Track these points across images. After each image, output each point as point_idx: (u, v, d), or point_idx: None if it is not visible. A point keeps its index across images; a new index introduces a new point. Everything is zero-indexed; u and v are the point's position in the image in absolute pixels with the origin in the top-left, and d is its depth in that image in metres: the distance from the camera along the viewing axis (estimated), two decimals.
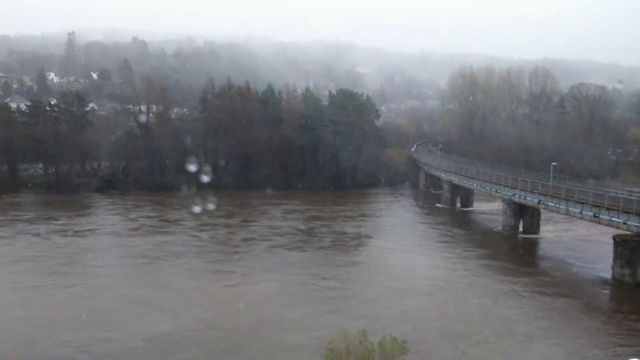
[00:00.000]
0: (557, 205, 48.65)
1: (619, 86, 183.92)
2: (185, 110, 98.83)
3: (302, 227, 59.93)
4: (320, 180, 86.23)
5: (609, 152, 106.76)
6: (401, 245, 52.29)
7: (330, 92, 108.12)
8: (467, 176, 69.84)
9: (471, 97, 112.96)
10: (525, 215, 56.30)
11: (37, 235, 54.18)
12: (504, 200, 58.28)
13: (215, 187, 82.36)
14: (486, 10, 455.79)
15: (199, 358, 27.10)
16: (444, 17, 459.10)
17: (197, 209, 60.56)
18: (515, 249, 52.38)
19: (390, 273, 41.58)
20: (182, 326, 30.51)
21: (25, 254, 47.20)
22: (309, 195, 79.66)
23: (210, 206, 60.82)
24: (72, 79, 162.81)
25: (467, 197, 74.20)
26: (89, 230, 57.39)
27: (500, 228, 58.49)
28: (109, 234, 56.23)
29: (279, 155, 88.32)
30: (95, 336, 29.12)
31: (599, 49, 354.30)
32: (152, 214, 66.98)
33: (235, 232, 57.29)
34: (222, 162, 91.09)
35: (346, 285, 38.97)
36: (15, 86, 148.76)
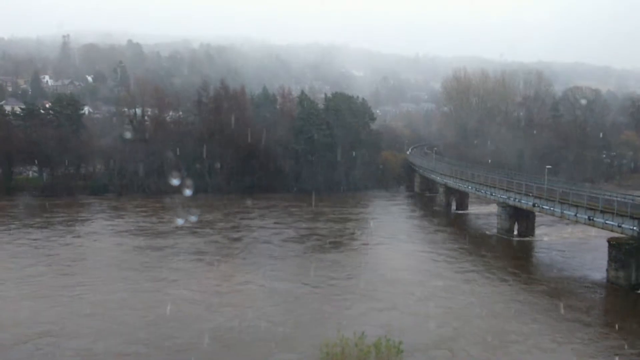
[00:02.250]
0: (552, 208, 48.90)
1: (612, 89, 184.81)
2: (181, 113, 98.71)
3: (299, 230, 59.87)
4: (316, 183, 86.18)
5: (604, 156, 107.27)
6: (396, 248, 52.36)
7: (325, 95, 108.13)
8: (462, 179, 70.01)
9: (466, 100, 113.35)
10: (520, 218, 56.46)
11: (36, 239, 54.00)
12: (498, 203, 58.50)
13: (210, 190, 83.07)
14: (480, 13, 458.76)
15: None
16: (439, 19, 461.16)
17: (191, 218, 60.59)
18: (510, 252, 52.51)
19: (385, 277, 41.44)
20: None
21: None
22: (304, 198, 79.56)
23: (193, 217, 61.03)
24: (66, 81, 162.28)
25: (463, 200, 74.47)
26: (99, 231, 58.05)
27: (495, 231, 58.69)
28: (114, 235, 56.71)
29: (274, 158, 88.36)
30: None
31: (592, 52, 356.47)
32: (146, 218, 66.96)
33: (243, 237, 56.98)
34: (217, 165, 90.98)
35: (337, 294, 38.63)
36: (9, 89, 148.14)
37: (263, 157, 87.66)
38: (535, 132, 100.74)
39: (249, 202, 74.99)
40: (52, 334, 29.91)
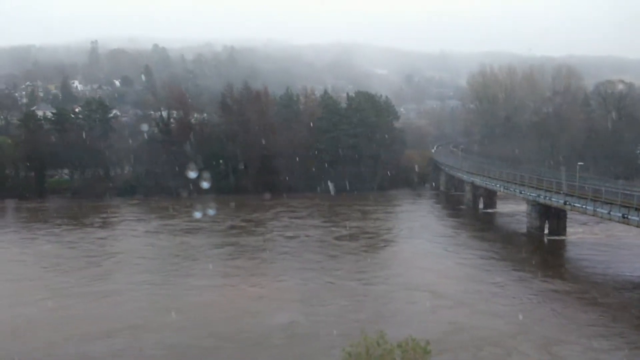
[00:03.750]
0: (584, 206, 47.45)
1: None
2: (205, 115, 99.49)
3: (326, 230, 59.85)
4: (340, 182, 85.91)
5: (638, 152, 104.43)
6: (425, 248, 51.81)
7: (348, 94, 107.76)
8: (489, 177, 68.85)
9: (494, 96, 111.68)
10: (551, 216, 55.21)
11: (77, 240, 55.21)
12: (528, 202, 57.39)
13: (234, 190, 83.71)
14: (506, 8, 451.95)
15: None
16: (463, 15, 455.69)
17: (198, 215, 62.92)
18: (541, 251, 51.49)
19: (416, 278, 41.03)
20: None
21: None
22: (328, 198, 79.57)
23: (210, 212, 64.08)
24: (95, 86, 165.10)
25: (490, 198, 73.27)
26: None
27: (525, 230, 57.63)
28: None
29: (297, 158, 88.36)
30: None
31: (624, 45, 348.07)
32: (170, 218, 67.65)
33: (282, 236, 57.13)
34: (242, 166, 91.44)
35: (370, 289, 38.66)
36: (41, 94, 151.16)
37: (287, 157, 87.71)
38: (565, 127, 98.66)
39: (279, 201, 75.53)
40: (133, 328, 30.62)
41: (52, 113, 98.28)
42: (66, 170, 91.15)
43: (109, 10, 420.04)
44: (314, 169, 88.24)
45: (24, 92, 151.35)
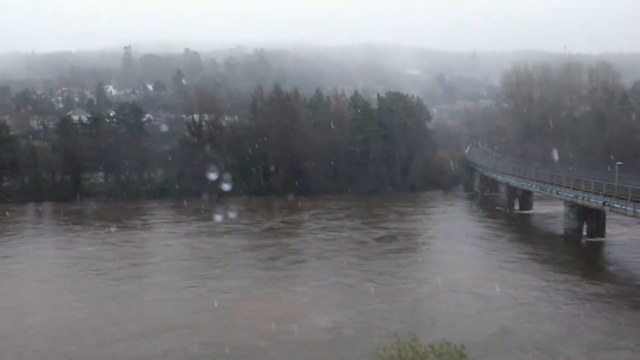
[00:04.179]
0: (624, 207, 45.91)
1: None
2: (236, 117, 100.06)
3: (365, 231, 59.51)
4: (371, 184, 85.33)
5: None
6: (463, 249, 51.17)
7: (378, 95, 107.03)
8: (525, 178, 67.39)
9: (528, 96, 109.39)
10: (590, 217, 53.63)
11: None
12: (566, 202, 55.84)
13: (265, 192, 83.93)
14: (540, 5, 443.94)
15: None
16: (496, 14, 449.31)
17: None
18: (581, 253, 50.30)
19: (459, 280, 40.38)
20: None
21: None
22: (361, 200, 79.04)
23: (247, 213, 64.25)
24: (129, 91, 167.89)
25: (526, 199, 71.73)
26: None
27: (562, 231, 56.09)
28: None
29: (328, 160, 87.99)
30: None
31: None
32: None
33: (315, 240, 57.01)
34: (272, 168, 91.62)
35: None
36: (76, 99, 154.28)
37: (317, 159, 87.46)
38: (603, 126, 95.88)
39: (313, 203, 75.51)
40: (179, 328, 30.91)
41: (87, 117, 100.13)
42: (101, 174, 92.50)
43: (141, 17, 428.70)
44: (344, 171, 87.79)
45: (60, 97, 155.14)
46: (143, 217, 70.93)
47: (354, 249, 51.18)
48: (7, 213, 69.62)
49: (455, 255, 48.61)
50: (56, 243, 56.21)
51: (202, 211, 71.20)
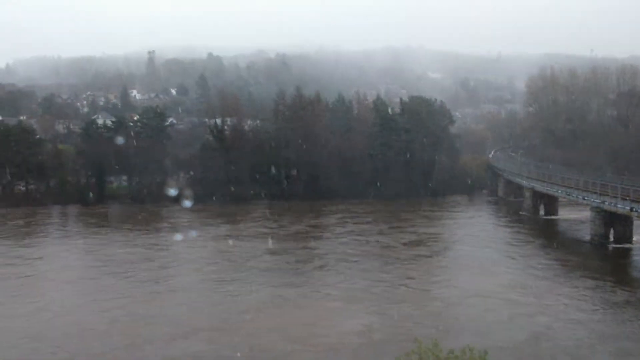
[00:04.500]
0: None
1: None
2: (258, 121, 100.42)
3: (392, 236, 59.17)
4: (393, 189, 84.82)
5: None
6: (490, 254, 50.49)
7: (401, 99, 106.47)
8: (550, 182, 66.26)
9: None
10: (617, 223, 52.30)
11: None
12: (592, 208, 54.62)
13: (287, 196, 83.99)
14: (566, 8, 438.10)
15: None
16: (520, 17, 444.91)
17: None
18: (609, 260, 49.18)
19: (488, 285, 39.72)
20: None
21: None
22: (384, 204, 78.58)
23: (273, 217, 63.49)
24: (152, 95, 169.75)
25: (552, 204, 70.50)
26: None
27: (589, 237, 54.93)
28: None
29: (350, 164, 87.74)
30: None
31: None
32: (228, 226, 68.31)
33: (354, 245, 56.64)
34: (294, 172, 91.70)
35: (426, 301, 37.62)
36: (101, 103, 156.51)
37: (339, 163, 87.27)
38: (631, 130, 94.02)
39: (338, 207, 75.57)
40: (210, 330, 31.01)
41: (111, 121, 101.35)
42: (124, 177, 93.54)
43: (165, 22, 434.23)
44: (365, 175, 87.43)
45: (85, 102, 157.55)
46: (170, 220, 71.45)
47: (382, 253, 50.96)
48: (35, 216, 71.12)
49: (483, 261, 47.95)
50: (84, 245, 56.74)
51: (227, 215, 71.57)
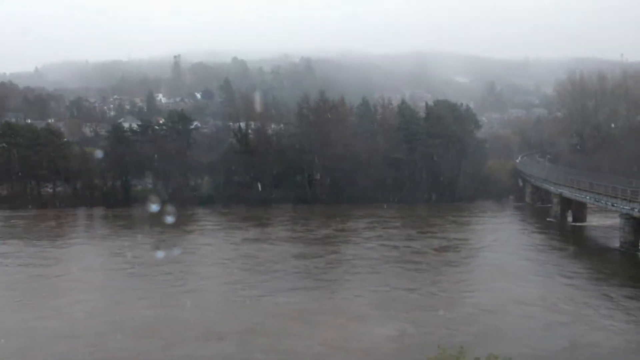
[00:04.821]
0: None
1: None
2: (282, 125, 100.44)
3: (422, 241, 58.72)
4: (417, 193, 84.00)
5: None
6: (520, 261, 49.77)
7: (427, 103, 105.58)
8: (579, 188, 64.85)
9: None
10: None
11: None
12: (621, 215, 53.24)
13: (310, 200, 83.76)
14: (595, 12, 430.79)
15: None
16: (549, 21, 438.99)
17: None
18: (638, 269, 47.89)
19: (523, 291, 39.13)
20: None
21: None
22: (410, 209, 77.88)
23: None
24: (178, 99, 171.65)
25: (580, 211, 68.97)
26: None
27: (618, 245, 53.49)
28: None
29: (374, 168, 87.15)
30: None
31: None
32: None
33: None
34: (317, 176, 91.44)
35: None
36: (127, 107, 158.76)
37: (363, 168, 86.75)
38: None
39: (365, 211, 75.01)
40: (242, 333, 31.21)
41: (137, 125, 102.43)
42: (149, 180, 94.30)
43: (191, 26, 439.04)
44: (390, 180, 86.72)
45: (111, 105, 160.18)
46: (199, 223, 71.73)
47: (412, 258, 50.46)
48: (66, 217, 72.67)
49: (513, 267, 47.36)
50: (114, 247, 57.02)
51: (253, 218, 71.73)
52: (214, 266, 48.15)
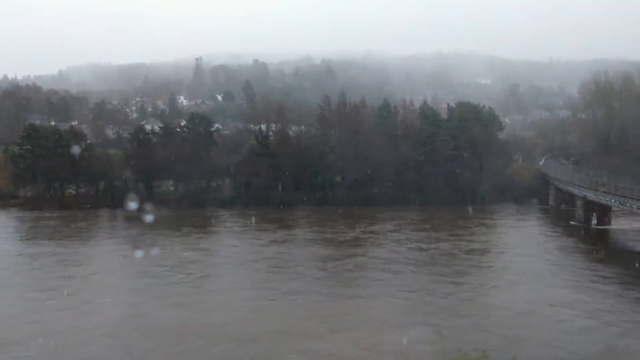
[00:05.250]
0: None
1: None
2: (303, 127, 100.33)
3: (452, 243, 58.57)
4: (439, 196, 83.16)
5: None
6: (548, 265, 49.33)
7: (448, 105, 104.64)
8: (603, 191, 63.61)
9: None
10: None
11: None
12: None
13: (331, 202, 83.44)
14: (620, 12, 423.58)
15: None
16: (573, 22, 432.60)
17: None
18: None
19: (554, 294, 38.99)
20: None
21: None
22: (430, 212, 77.19)
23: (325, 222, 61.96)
24: (199, 101, 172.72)
25: (605, 214, 67.71)
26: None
27: None
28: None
29: (395, 170, 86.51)
30: None
31: None
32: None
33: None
34: (338, 178, 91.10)
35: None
36: (149, 109, 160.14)
37: (384, 170, 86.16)
38: None
39: (391, 213, 75.08)
40: (278, 333, 31.63)
41: (159, 127, 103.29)
42: (171, 181, 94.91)
43: (212, 29, 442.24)
44: (411, 182, 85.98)
45: (134, 107, 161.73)
46: (226, 225, 72.23)
47: (444, 261, 50.50)
48: (97, 218, 74.67)
49: (542, 271, 47.08)
50: (146, 247, 56.97)
51: (277, 220, 72.01)
52: (242, 267, 48.66)
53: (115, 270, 47.85)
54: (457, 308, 36.02)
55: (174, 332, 31.82)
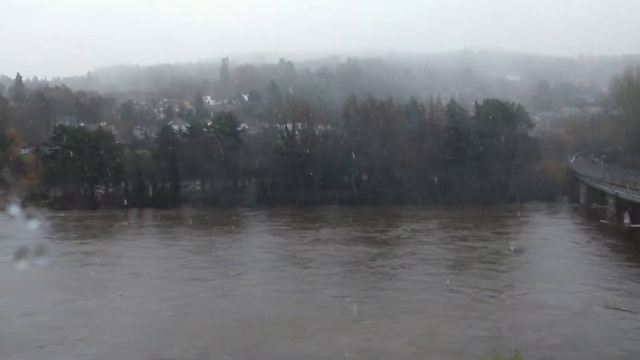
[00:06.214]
0: None
1: None
2: (329, 126, 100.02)
3: (496, 242, 58.20)
4: (466, 194, 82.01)
5: None
6: (583, 265, 48.87)
7: (476, 102, 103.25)
8: (636, 189, 62.02)
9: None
10: None
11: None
12: None
13: (358, 201, 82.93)
14: None
15: None
16: (604, 16, 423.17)
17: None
18: None
19: (599, 295, 38.37)
20: None
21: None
22: (460, 211, 76.27)
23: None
24: (225, 101, 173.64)
25: (638, 212, 65.95)
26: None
27: None
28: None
29: (422, 169, 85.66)
30: None
31: None
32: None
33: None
34: (365, 177, 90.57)
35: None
36: (176, 110, 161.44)
37: (411, 168, 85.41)
38: None
39: (425, 213, 74.78)
40: (327, 331, 32.03)
41: (186, 127, 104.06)
42: (198, 181, 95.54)
43: (238, 29, 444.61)
44: (439, 180, 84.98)
45: (161, 108, 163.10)
46: (266, 224, 72.65)
47: (490, 259, 50.24)
48: (127, 218, 75.71)
49: (586, 271, 46.87)
50: (195, 246, 57.97)
51: (313, 219, 72.36)
52: (298, 266, 48.98)
53: (175, 268, 48.44)
54: (512, 307, 36.07)
55: (238, 327, 32.80)
